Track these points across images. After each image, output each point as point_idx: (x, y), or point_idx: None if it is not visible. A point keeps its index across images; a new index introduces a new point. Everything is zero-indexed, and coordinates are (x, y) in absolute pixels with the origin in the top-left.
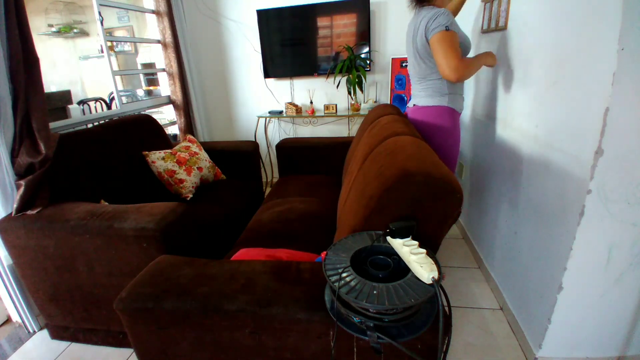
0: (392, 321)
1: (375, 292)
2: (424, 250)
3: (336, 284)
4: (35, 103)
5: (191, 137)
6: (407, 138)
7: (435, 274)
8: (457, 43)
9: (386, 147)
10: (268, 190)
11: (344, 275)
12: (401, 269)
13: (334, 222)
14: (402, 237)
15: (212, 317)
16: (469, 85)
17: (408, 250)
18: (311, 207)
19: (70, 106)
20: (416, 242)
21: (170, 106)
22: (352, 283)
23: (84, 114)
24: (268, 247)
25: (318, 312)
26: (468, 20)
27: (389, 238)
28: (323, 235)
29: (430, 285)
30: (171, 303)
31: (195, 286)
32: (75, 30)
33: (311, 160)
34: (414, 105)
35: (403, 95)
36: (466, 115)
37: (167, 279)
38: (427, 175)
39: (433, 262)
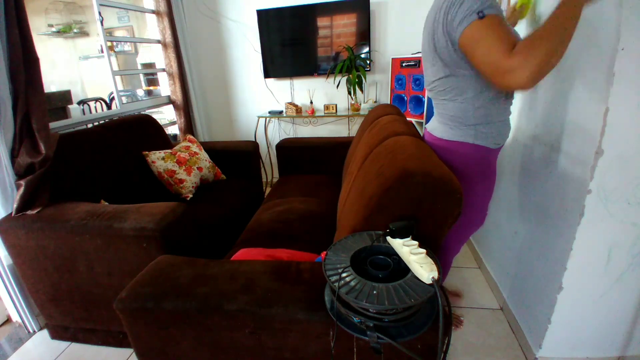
0: (392, 321)
1: (375, 292)
2: (423, 250)
3: (336, 284)
4: (35, 103)
5: (191, 137)
6: (407, 138)
7: (435, 274)
8: (504, 29)
9: (386, 147)
10: (268, 190)
11: (343, 275)
12: (401, 269)
13: (334, 222)
14: (402, 237)
15: (212, 317)
16: None
17: (408, 250)
18: (311, 207)
19: (70, 106)
20: (416, 242)
21: (170, 106)
22: (352, 283)
23: (84, 114)
24: (268, 247)
25: (318, 312)
26: None
27: (388, 238)
28: (323, 235)
29: (430, 285)
30: (171, 303)
31: (195, 286)
32: (75, 30)
33: (311, 160)
34: (430, 131)
35: (403, 95)
36: None
37: (167, 279)
38: (426, 175)
39: (433, 262)
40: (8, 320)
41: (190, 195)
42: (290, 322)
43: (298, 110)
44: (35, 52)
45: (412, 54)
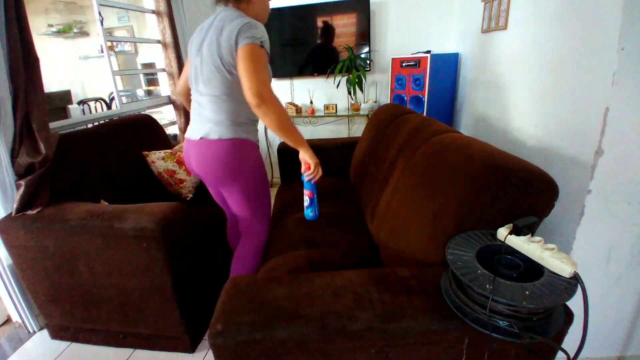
0: (539, 319)
1: (527, 292)
2: (554, 245)
3: (481, 291)
4: (35, 103)
5: None
6: (459, 135)
7: (576, 267)
8: (268, 67)
9: (443, 145)
10: None
11: (481, 278)
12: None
13: (362, 223)
14: (524, 235)
15: (334, 340)
16: (470, 85)
17: (537, 246)
18: (334, 210)
19: (70, 106)
20: (541, 238)
21: (170, 106)
22: (501, 288)
23: (84, 114)
24: (309, 254)
25: (452, 321)
26: (468, 20)
27: (512, 236)
28: (355, 236)
29: (571, 279)
30: (284, 330)
31: (300, 308)
32: (75, 30)
33: None
34: (202, 138)
35: (403, 95)
36: (467, 114)
37: (262, 303)
38: (524, 170)
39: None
40: (8, 320)
41: (190, 196)
42: (424, 335)
43: (298, 110)
44: (35, 52)
45: (412, 54)
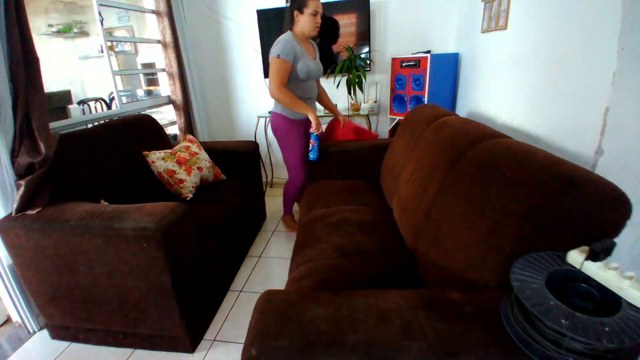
0: (613, 357)
1: (606, 329)
2: (633, 274)
3: (555, 327)
4: (35, 103)
5: (191, 137)
6: (512, 140)
7: None
8: (283, 71)
9: (492, 153)
10: (268, 190)
11: (557, 313)
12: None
13: (392, 228)
14: (601, 260)
15: None
16: (470, 85)
17: (615, 274)
18: (365, 217)
19: (70, 106)
20: (618, 264)
21: (170, 106)
22: (577, 323)
23: (84, 114)
24: (341, 265)
25: (516, 358)
26: (468, 20)
27: (588, 262)
28: (387, 244)
29: None
30: (326, 359)
31: (343, 333)
32: (75, 30)
33: (338, 165)
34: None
35: (403, 95)
36: (467, 115)
37: (299, 325)
38: (593, 183)
39: None
40: (8, 320)
41: (190, 195)
42: None
43: None
44: (35, 52)
45: (412, 54)
